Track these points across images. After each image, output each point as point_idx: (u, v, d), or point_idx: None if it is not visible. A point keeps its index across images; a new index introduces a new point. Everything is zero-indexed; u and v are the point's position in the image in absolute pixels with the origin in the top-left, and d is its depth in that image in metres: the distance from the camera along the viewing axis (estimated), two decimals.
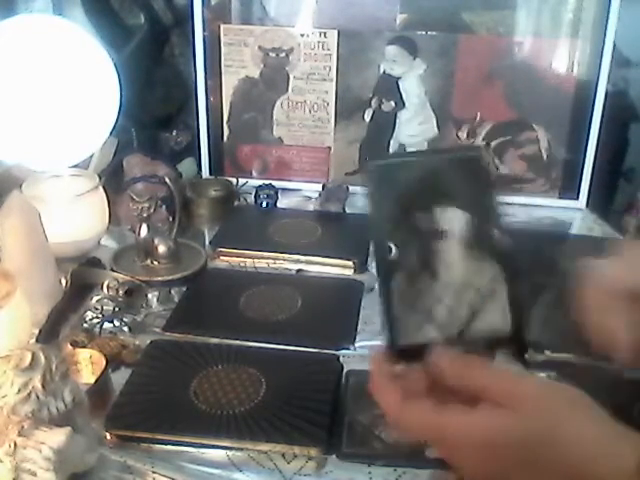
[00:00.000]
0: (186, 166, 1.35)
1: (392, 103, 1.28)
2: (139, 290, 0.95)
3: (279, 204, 1.26)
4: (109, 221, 1.08)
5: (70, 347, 0.82)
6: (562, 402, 0.42)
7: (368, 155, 1.32)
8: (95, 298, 0.94)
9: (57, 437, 0.62)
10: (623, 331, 0.49)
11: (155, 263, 1.04)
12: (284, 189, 1.30)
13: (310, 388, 0.78)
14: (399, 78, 1.26)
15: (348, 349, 0.87)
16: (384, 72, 1.26)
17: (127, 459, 0.69)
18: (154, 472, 0.68)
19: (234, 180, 1.28)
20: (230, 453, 0.70)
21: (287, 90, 1.29)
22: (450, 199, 0.47)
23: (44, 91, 0.98)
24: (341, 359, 0.84)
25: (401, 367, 0.46)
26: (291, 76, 1.28)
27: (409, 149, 1.31)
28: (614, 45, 1.19)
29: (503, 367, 0.45)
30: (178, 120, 1.39)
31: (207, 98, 1.30)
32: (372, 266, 1.05)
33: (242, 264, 1.08)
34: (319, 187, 1.27)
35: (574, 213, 1.29)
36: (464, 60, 1.24)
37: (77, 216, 1.02)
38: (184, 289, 1.00)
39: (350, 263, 1.06)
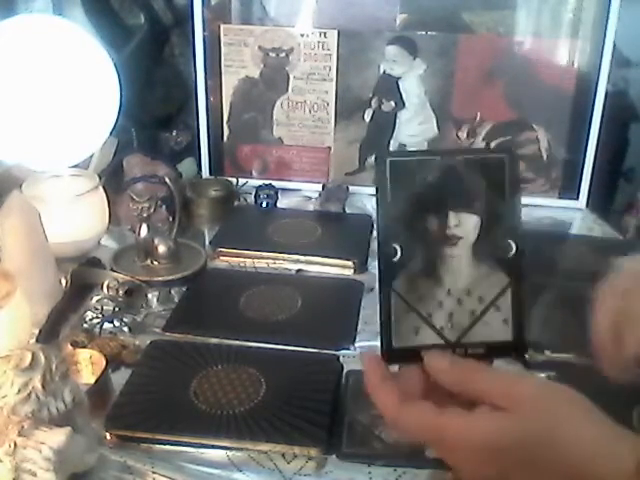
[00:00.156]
0: (186, 166, 1.35)
1: (392, 103, 1.28)
2: (139, 290, 0.95)
3: (279, 204, 1.26)
4: (109, 221, 1.08)
5: (70, 347, 0.82)
6: (560, 403, 0.42)
7: (369, 155, 1.32)
8: (95, 298, 0.94)
9: (57, 437, 0.62)
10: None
11: (155, 263, 1.04)
12: (284, 189, 1.30)
13: (310, 388, 0.78)
14: (399, 78, 1.26)
15: (348, 349, 0.87)
16: (384, 72, 1.26)
17: (127, 459, 0.69)
18: (154, 472, 0.68)
19: (234, 180, 1.28)
20: (230, 453, 0.70)
21: (287, 90, 1.29)
22: (467, 204, 0.45)
23: (44, 91, 0.98)
24: (341, 359, 0.84)
25: (396, 369, 0.45)
26: (291, 76, 1.28)
27: (409, 149, 1.31)
28: (614, 45, 1.19)
29: (501, 369, 0.45)
30: (178, 120, 1.39)
31: (207, 98, 1.30)
32: (372, 266, 1.05)
33: (242, 264, 1.08)
34: (319, 187, 1.27)
35: (574, 213, 1.29)
36: (464, 60, 1.24)
37: (77, 216, 1.02)
38: (184, 289, 1.00)
39: (350, 263, 1.06)
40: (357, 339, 0.88)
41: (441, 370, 0.44)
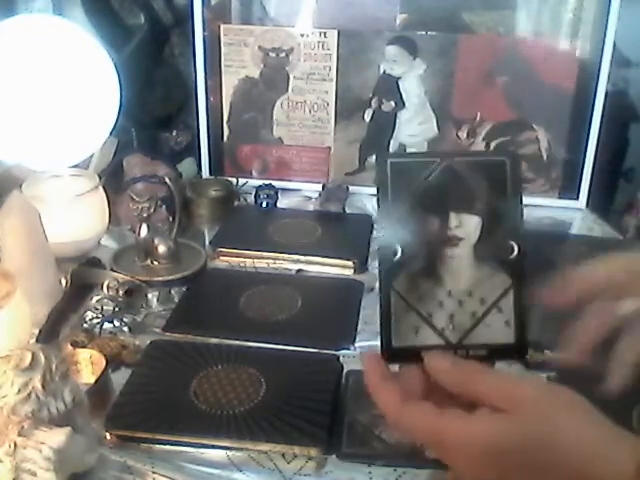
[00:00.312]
0: (186, 166, 1.35)
1: (392, 103, 1.28)
2: (139, 290, 0.95)
3: (279, 204, 1.26)
4: (109, 221, 1.08)
5: (70, 347, 0.82)
6: (560, 406, 0.41)
7: (369, 155, 1.32)
8: (95, 298, 0.94)
9: (57, 437, 0.62)
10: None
11: (155, 263, 1.04)
12: (284, 189, 1.30)
13: (310, 388, 0.78)
14: (399, 78, 1.26)
15: (348, 349, 0.87)
16: (384, 72, 1.26)
17: (127, 459, 0.69)
18: (154, 472, 0.68)
19: (234, 180, 1.28)
20: (230, 453, 0.70)
21: (287, 90, 1.29)
22: (468, 205, 0.45)
23: (44, 91, 0.98)
24: (341, 359, 0.84)
25: (396, 368, 0.45)
26: (291, 76, 1.28)
27: (409, 149, 1.31)
28: (614, 45, 1.19)
29: (501, 371, 0.45)
30: (178, 120, 1.39)
31: (207, 98, 1.30)
32: (372, 266, 1.05)
33: (242, 264, 1.08)
34: (319, 187, 1.27)
35: (574, 213, 1.29)
36: (464, 60, 1.24)
37: (77, 216, 1.02)
38: (184, 289, 1.00)
39: (350, 263, 1.06)
40: (357, 339, 0.88)
41: (442, 371, 0.44)
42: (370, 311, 0.92)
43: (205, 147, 1.34)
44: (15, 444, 0.61)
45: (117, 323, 0.90)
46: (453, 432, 0.41)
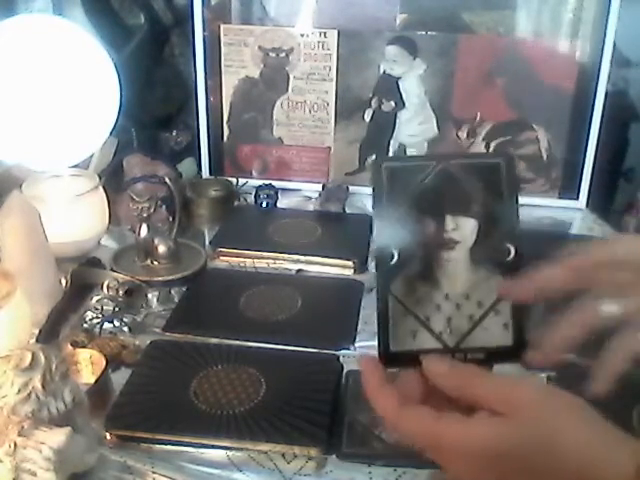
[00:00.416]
0: (186, 166, 1.35)
1: (392, 103, 1.28)
2: (139, 290, 0.95)
3: (279, 204, 1.26)
4: (109, 221, 1.08)
5: (70, 347, 0.82)
6: (559, 409, 0.41)
7: (369, 155, 1.32)
8: (95, 298, 0.94)
9: (57, 437, 0.62)
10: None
11: (155, 263, 1.04)
12: (284, 189, 1.30)
13: (310, 388, 0.78)
14: (399, 78, 1.26)
15: (348, 349, 0.87)
16: (384, 72, 1.26)
17: (127, 459, 0.69)
18: (154, 472, 0.68)
19: (234, 180, 1.28)
20: (230, 453, 0.70)
21: (287, 90, 1.29)
22: (464, 207, 0.45)
23: (44, 91, 0.98)
24: (341, 359, 0.84)
25: (393, 372, 0.45)
26: (291, 76, 1.28)
27: (409, 149, 1.31)
28: (614, 45, 1.19)
29: (499, 374, 0.44)
30: (178, 120, 1.39)
31: (207, 98, 1.30)
32: (372, 266, 1.05)
33: (242, 264, 1.08)
34: (319, 187, 1.27)
35: (574, 213, 1.29)
36: (464, 60, 1.24)
37: (77, 216, 1.02)
38: (184, 289, 1.00)
39: (350, 263, 1.06)
40: (357, 339, 0.88)
41: (439, 374, 0.44)
42: (370, 311, 0.92)
43: (205, 147, 1.34)
44: (15, 444, 0.61)
45: (117, 323, 0.90)
46: (451, 436, 0.41)
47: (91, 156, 1.16)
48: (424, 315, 0.45)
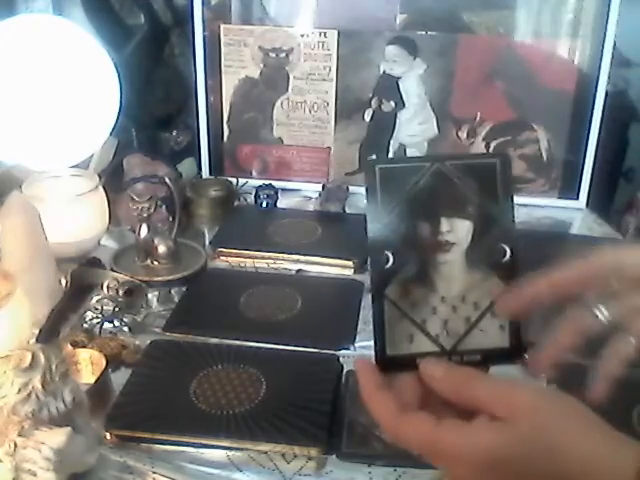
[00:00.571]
0: (186, 166, 1.35)
1: (392, 103, 1.28)
2: (139, 290, 0.95)
3: (279, 204, 1.26)
4: (109, 221, 1.08)
5: (70, 347, 0.82)
6: (559, 412, 0.41)
7: (369, 155, 1.32)
8: (95, 298, 0.94)
9: (57, 437, 0.62)
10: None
11: (155, 263, 1.04)
12: (284, 189, 1.30)
13: (310, 388, 0.78)
14: (399, 78, 1.26)
15: (348, 349, 0.87)
16: (384, 72, 1.26)
17: (127, 459, 0.69)
18: (154, 472, 0.68)
19: (234, 180, 1.28)
20: (230, 453, 0.70)
21: (287, 90, 1.29)
22: (459, 209, 0.44)
23: (44, 91, 0.98)
24: (341, 359, 0.84)
25: (392, 378, 0.45)
26: (291, 76, 1.28)
27: (409, 149, 1.31)
28: (614, 45, 1.19)
29: (496, 376, 0.44)
30: (178, 120, 1.39)
31: (207, 98, 1.30)
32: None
33: (242, 264, 1.08)
34: (319, 187, 1.27)
35: (574, 213, 1.29)
36: (464, 60, 1.24)
37: (77, 216, 1.02)
38: (184, 289, 1.00)
39: (350, 263, 1.06)
40: (357, 339, 0.88)
41: (436, 378, 0.43)
42: (370, 311, 0.92)
43: (205, 147, 1.34)
44: (15, 444, 0.61)
45: (117, 323, 0.90)
46: (451, 443, 0.41)
47: (91, 156, 1.15)
48: (420, 318, 0.45)
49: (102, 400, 0.75)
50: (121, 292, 0.93)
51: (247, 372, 0.80)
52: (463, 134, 1.28)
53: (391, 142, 1.31)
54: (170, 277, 1.01)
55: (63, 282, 0.93)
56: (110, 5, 1.31)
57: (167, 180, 1.07)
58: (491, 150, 1.27)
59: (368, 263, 0.46)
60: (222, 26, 1.27)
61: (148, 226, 1.04)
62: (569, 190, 1.29)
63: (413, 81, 1.26)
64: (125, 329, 0.89)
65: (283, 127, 1.32)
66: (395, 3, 1.22)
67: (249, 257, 1.08)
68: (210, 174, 1.35)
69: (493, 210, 0.45)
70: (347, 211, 1.23)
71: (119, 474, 0.68)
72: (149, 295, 0.96)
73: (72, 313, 0.90)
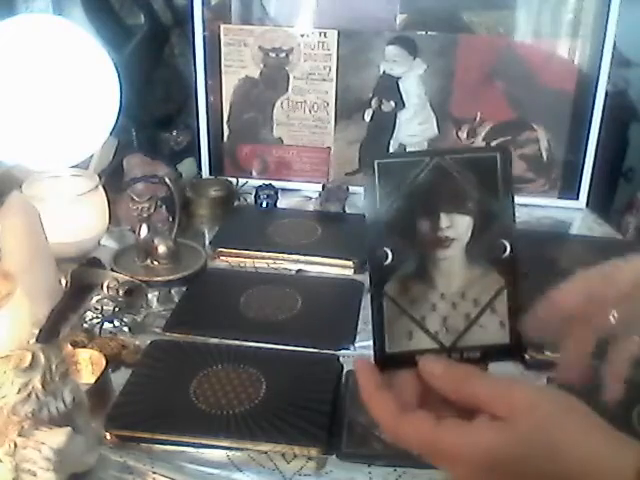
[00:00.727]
0: (186, 166, 1.35)
1: (392, 103, 1.28)
2: (139, 290, 0.95)
3: (279, 204, 1.26)
4: (109, 221, 1.08)
5: (70, 347, 0.82)
6: (559, 411, 0.40)
7: (369, 156, 1.31)
8: (95, 298, 0.94)
9: (57, 437, 0.62)
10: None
11: (155, 263, 1.04)
12: (284, 189, 1.30)
13: (310, 388, 0.78)
14: (399, 78, 1.26)
15: (348, 349, 0.87)
16: (384, 72, 1.26)
17: (127, 459, 0.69)
18: (154, 472, 0.68)
19: (234, 180, 1.28)
20: (230, 453, 0.70)
21: (287, 90, 1.29)
22: (458, 204, 0.44)
23: (44, 91, 0.98)
24: (341, 359, 0.84)
25: (391, 375, 0.44)
26: (291, 76, 1.28)
27: (409, 149, 1.31)
28: (614, 45, 1.19)
29: (497, 374, 0.44)
30: (178, 120, 1.39)
31: (207, 98, 1.30)
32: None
33: (242, 264, 1.08)
34: (319, 187, 1.27)
35: (574, 213, 1.29)
36: (464, 60, 1.24)
37: (77, 216, 1.02)
38: (184, 289, 1.00)
39: (350, 263, 1.06)
40: (357, 339, 0.88)
41: (435, 375, 0.43)
42: (370, 311, 0.92)
43: (205, 147, 1.34)
44: (15, 444, 0.61)
45: (117, 323, 0.90)
46: (451, 443, 0.41)
47: (91, 156, 1.15)
48: (419, 315, 0.45)
49: (102, 400, 0.75)
50: (121, 292, 0.93)
51: (247, 372, 0.80)
52: (463, 134, 1.28)
53: (391, 142, 1.31)
54: (170, 277, 1.01)
55: (63, 282, 0.93)
56: (110, 5, 1.31)
57: (167, 180, 1.07)
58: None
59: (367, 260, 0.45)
60: (222, 26, 1.27)
61: (148, 226, 1.04)
62: (569, 190, 1.29)
63: (413, 81, 1.26)
64: (125, 329, 0.89)
65: (283, 127, 1.32)
66: (395, 3, 1.22)
67: (249, 257, 1.08)
68: (210, 174, 1.35)
69: (493, 205, 0.44)
70: (347, 211, 1.23)
71: (119, 474, 0.68)
72: (149, 295, 0.96)
73: (72, 313, 0.90)
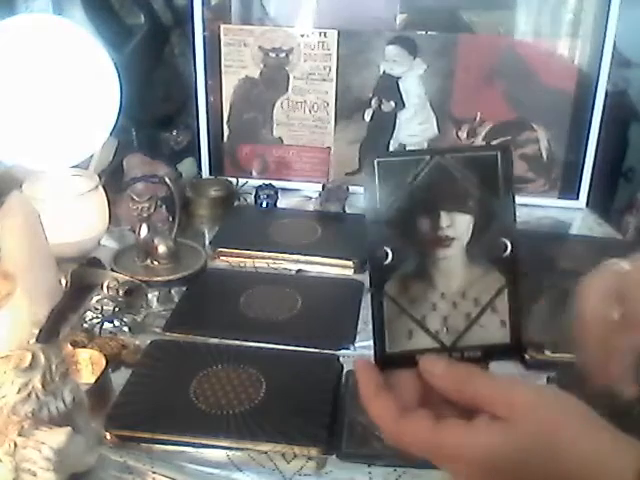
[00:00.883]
0: (186, 166, 1.35)
1: (392, 103, 1.28)
2: (139, 290, 0.95)
3: (279, 204, 1.26)
4: (109, 221, 1.08)
5: (70, 347, 0.82)
6: (560, 412, 0.40)
7: (369, 156, 1.31)
8: (95, 298, 0.94)
9: (57, 437, 0.62)
10: (619, 363, 0.48)
11: (155, 263, 1.04)
12: (284, 189, 1.30)
13: (310, 388, 0.78)
14: (399, 78, 1.26)
15: (348, 349, 0.87)
16: (384, 72, 1.26)
17: (127, 459, 0.69)
18: (154, 472, 0.68)
19: (234, 180, 1.28)
20: (230, 453, 0.70)
21: (287, 90, 1.29)
22: (459, 203, 0.44)
23: (44, 91, 0.98)
24: (341, 359, 0.84)
25: (391, 375, 0.44)
26: (291, 76, 1.28)
27: (409, 149, 1.31)
28: (614, 45, 1.19)
29: (498, 374, 0.44)
30: (178, 120, 1.39)
31: (207, 98, 1.30)
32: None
33: (242, 264, 1.08)
34: (319, 187, 1.27)
35: (574, 213, 1.29)
36: (464, 60, 1.24)
37: (77, 216, 1.01)
38: (184, 289, 1.00)
39: (350, 263, 1.06)
40: (357, 339, 0.88)
41: (436, 375, 0.43)
42: (370, 311, 0.92)
43: (205, 147, 1.34)
44: (15, 444, 0.61)
45: (117, 323, 0.90)
46: (451, 443, 0.41)
47: (91, 156, 1.15)
48: (420, 314, 0.44)
49: (102, 400, 0.75)
50: (121, 292, 0.93)
51: (247, 372, 0.80)
52: (463, 134, 1.28)
53: (391, 142, 1.31)
54: (170, 277, 1.01)
55: (63, 282, 0.93)
56: (110, 5, 1.31)
57: (167, 180, 1.07)
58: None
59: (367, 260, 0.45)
60: (222, 26, 1.27)
61: (148, 226, 1.04)
62: (569, 190, 1.29)
63: (413, 81, 1.26)
64: (125, 329, 0.89)
65: (283, 127, 1.32)
66: (395, 3, 1.22)
67: (249, 257, 1.08)
68: (210, 174, 1.35)
69: (494, 204, 0.44)
70: (347, 211, 1.23)
71: (119, 474, 0.68)
72: (149, 295, 0.96)
73: (72, 313, 0.90)
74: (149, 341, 0.86)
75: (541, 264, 0.98)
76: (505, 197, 0.44)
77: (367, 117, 1.29)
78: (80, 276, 0.96)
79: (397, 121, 1.29)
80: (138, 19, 1.33)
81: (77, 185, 1.05)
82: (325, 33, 1.24)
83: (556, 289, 0.92)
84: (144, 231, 1.03)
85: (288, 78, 1.28)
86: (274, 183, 1.27)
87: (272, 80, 1.29)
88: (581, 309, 0.47)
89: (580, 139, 1.25)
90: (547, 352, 0.82)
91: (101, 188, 1.06)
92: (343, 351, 0.86)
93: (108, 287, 0.93)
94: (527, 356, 0.81)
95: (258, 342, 0.87)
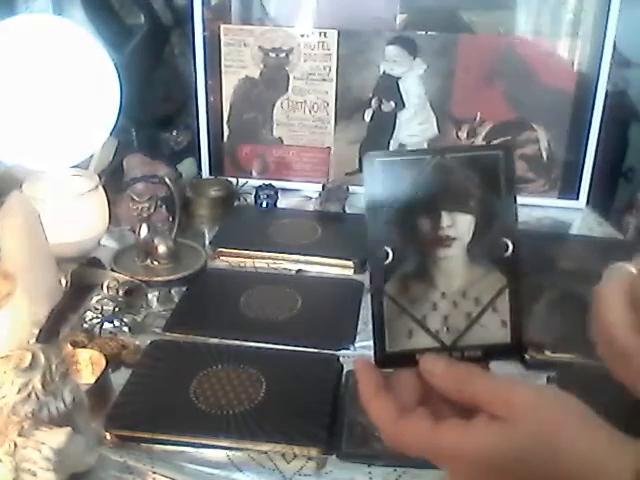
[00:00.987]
0: (186, 166, 1.35)
1: (392, 103, 1.28)
2: (139, 290, 0.95)
3: (279, 204, 1.26)
4: (109, 221, 1.08)
5: (70, 347, 0.82)
6: (559, 412, 0.40)
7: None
8: (95, 298, 0.94)
9: (57, 437, 0.62)
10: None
11: (155, 263, 1.04)
12: (284, 189, 1.30)
13: (310, 388, 0.78)
14: (399, 78, 1.26)
15: (348, 349, 0.87)
16: (384, 72, 1.26)
17: (127, 459, 0.69)
18: (154, 472, 0.68)
19: (234, 180, 1.28)
20: (230, 453, 0.70)
21: (287, 90, 1.29)
22: (460, 203, 0.43)
23: (44, 91, 0.98)
24: (341, 359, 0.84)
25: (391, 375, 0.44)
26: (291, 76, 1.28)
27: (410, 149, 1.30)
28: (614, 45, 1.19)
29: (497, 373, 0.44)
30: (178, 120, 1.39)
31: (207, 98, 1.30)
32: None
33: (242, 264, 1.08)
34: (319, 187, 1.27)
35: (574, 213, 1.29)
36: (464, 60, 1.24)
37: (77, 216, 1.01)
38: (184, 289, 1.00)
39: (350, 263, 1.06)
40: (357, 339, 0.88)
41: (436, 374, 0.43)
42: (370, 311, 0.92)
43: (205, 147, 1.34)
44: (15, 444, 0.61)
45: (117, 323, 0.90)
46: (451, 444, 0.41)
47: (91, 156, 1.15)
48: (420, 314, 0.44)
49: (102, 400, 0.75)
50: (121, 292, 0.93)
51: (247, 372, 0.80)
52: (463, 134, 1.28)
53: (391, 142, 1.31)
54: (170, 277, 1.01)
55: (63, 282, 0.93)
56: (110, 5, 1.31)
57: (167, 180, 1.07)
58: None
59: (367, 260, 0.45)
60: (222, 26, 1.27)
61: (148, 226, 1.04)
62: (569, 190, 1.29)
63: (413, 81, 1.26)
64: (125, 329, 0.89)
65: (283, 127, 1.32)
66: (395, 3, 1.22)
67: (249, 257, 1.08)
68: (210, 174, 1.35)
69: (495, 203, 0.44)
70: (347, 211, 1.23)
71: (119, 474, 0.68)
72: (149, 295, 0.96)
73: (72, 313, 0.90)
74: (149, 341, 0.86)
75: (541, 264, 0.98)
76: (507, 197, 0.44)
77: (367, 117, 1.29)
78: (80, 276, 0.96)
79: (397, 121, 1.29)
80: (138, 19, 1.33)
81: (77, 185, 1.05)
82: (325, 33, 1.24)
83: (556, 289, 0.93)
84: (144, 231, 1.03)
85: (288, 78, 1.28)
86: (274, 183, 1.27)
87: (272, 80, 1.29)
88: (601, 315, 0.47)
89: (580, 139, 1.25)
90: (547, 352, 0.82)
91: (101, 188, 1.06)
92: (343, 351, 0.86)
93: (108, 287, 0.94)
94: (527, 356, 0.81)
95: (258, 342, 0.87)
